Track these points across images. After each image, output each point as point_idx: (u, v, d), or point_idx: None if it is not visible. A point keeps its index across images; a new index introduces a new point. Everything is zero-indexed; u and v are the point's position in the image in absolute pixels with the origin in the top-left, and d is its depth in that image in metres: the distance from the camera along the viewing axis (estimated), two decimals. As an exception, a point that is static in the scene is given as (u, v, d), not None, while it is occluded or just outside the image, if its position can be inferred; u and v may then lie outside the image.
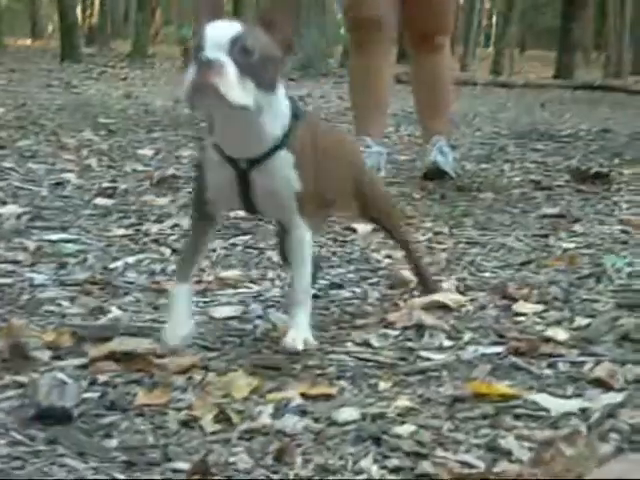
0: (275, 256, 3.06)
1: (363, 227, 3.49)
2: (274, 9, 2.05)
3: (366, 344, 2.18)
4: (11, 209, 3.66)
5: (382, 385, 1.90)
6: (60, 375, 1.84)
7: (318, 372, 1.99)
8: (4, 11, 28.16)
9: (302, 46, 15.30)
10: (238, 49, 1.91)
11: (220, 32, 1.94)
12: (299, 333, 2.08)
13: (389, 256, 3.11)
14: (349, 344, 2.18)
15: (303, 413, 1.74)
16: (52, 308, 2.47)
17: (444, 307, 2.46)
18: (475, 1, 22.02)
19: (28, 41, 25.61)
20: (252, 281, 2.79)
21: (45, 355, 2.07)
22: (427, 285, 2.59)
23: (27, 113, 7.20)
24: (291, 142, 2.09)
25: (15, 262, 2.92)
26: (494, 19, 40.50)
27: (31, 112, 7.33)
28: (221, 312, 2.44)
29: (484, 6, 30.28)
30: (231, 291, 2.67)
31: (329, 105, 9.17)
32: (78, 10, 23.52)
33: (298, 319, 2.11)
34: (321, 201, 2.21)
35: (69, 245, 3.13)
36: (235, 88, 1.89)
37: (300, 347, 2.05)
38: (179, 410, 1.76)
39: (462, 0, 20.06)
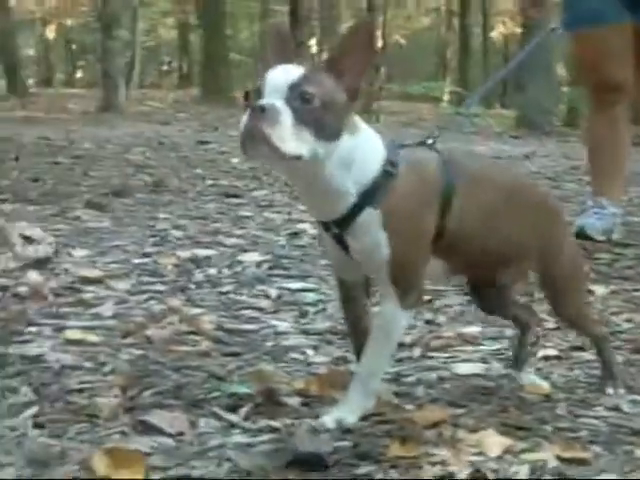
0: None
1: (602, 289, 3.43)
2: (344, 52, 1.86)
3: (617, 409, 2.13)
4: (252, 257, 3.77)
5: (638, 452, 1.85)
6: (314, 423, 1.88)
7: (570, 435, 1.95)
8: (236, 65, 29.12)
9: (525, 103, 15.22)
10: (296, 95, 1.78)
11: (280, 76, 1.82)
12: (338, 412, 1.95)
13: (629, 320, 3.03)
14: (599, 408, 2.14)
15: (561, 475, 1.72)
16: (297, 356, 2.52)
17: (694, 375, 2.38)
18: None
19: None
20: (491, 338, 2.77)
21: (295, 402, 2.11)
22: (606, 364, 2.31)
23: (260, 163, 7.40)
24: (379, 198, 1.90)
25: (258, 309, 3.00)
26: None
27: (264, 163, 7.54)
28: (463, 369, 2.43)
29: None
30: (471, 348, 2.66)
31: (554, 164, 9.04)
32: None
33: (347, 398, 1.98)
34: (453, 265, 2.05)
35: (309, 294, 3.19)
36: (288, 137, 1.76)
37: (330, 425, 1.90)
38: (433, 464, 1.76)
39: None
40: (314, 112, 1.79)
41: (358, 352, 2.07)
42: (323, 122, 1.80)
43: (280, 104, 1.77)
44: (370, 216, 1.89)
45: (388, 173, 1.90)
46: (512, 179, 2.21)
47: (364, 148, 1.91)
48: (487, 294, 2.29)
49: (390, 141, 1.98)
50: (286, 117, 1.76)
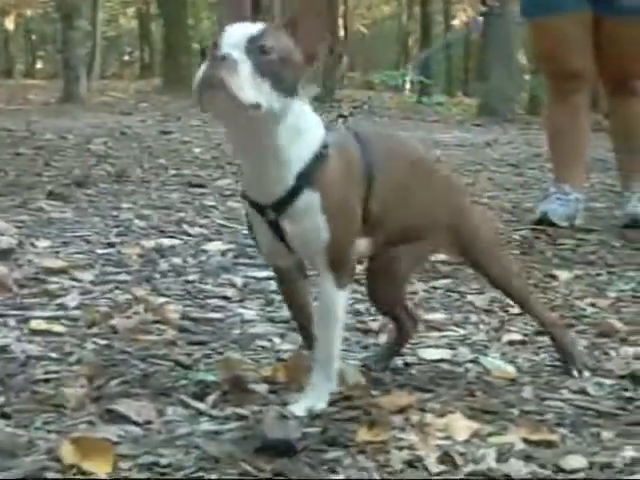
0: (477, 300, 3.06)
1: (565, 274, 3.46)
2: (302, 15, 1.89)
3: (583, 392, 2.15)
4: (217, 246, 3.77)
5: (604, 434, 1.87)
6: (282, 410, 1.88)
7: (537, 418, 1.97)
8: (198, 55, 29.02)
9: (488, 91, 15.28)
10: (255, 47, 1.79)
11: (239, 31, 1.83)
12: (306, 400, 1.96)
13: (593, 304, 3.06)
14: (564, 391, 2.16)
15: (528, 458, 1.73)
16: (263, 343, 2.53)
17: (659, 356, 2.41)
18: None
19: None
20: (456, 324, 2.79)
21: (263, 389, 2.11)
22: (561, 346, 2.34)
23: (222, 153, 7.39)
24: (316, 180, 1.90)
25: (224, 298, 3.00)
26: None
27: (225, 152, 7.53)
28: (430, 354, 2.45)
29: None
30: (437, 334, 2.67)
31: (517, 151, 9.09)
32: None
33: (311, 386, 1.99)
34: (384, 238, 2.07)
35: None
36: (246, 86, 1.76)
37: (300, 413, 1.90)
38: (401, 449, 1.77)
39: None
40: (272, 64, 1.80)
41: (305, 336, 2.12)
42: (280, 75, 1.81)
43: (238, 54, 1.78)
44: (310, 199, 1.90)
45: (323, 154, 1.91)
46: (420, 155, 2.23)
47: (310, 119, 1.93)
48: (385, 285, 2.27)
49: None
50: (244, 66, 1.77)
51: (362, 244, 2.04)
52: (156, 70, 29.06)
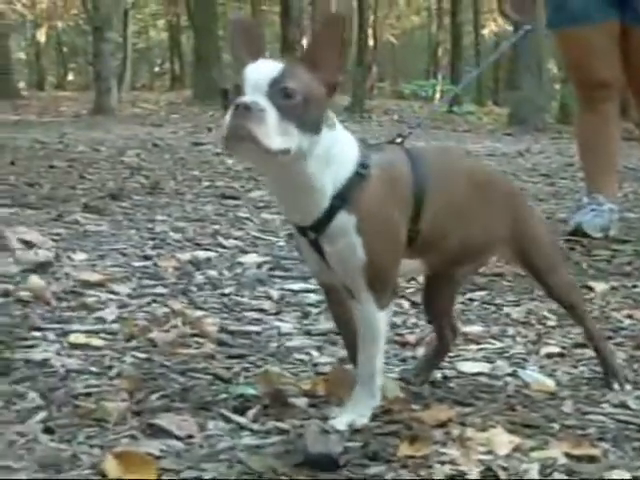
0: (514, 312, 3.06)
1: (601, 286, 3.44)
2: (319, 46, 1.87)
3: (624, 406, 2.14)
4: (252, 258, 3.78)
5: (647, 448, 1.86)
6: (324, 424, 1.88)
7: (578, 432, 1.96)
8: (228, 66, 29.17)
9: (518, 100, 15.24)
10: (278, 91, 1.77)
11: (259, 73, 1.80)
12: (348, 415, 1.96)
13: (630, 316, 3.04)
14: (605, 405, 2.15)
15: (571, 473, 1.73)
16: (301, 357, 2.53)
17: (699, 371, 2.39)
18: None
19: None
20: (494, 337, 2.78)
21: (303, 402, 2.12)
22: (604, 359, 2.33)
23: (244, 161, 7.40)
24: (352, 200, 1.89)
25: (261, 310, 3.01)
26: None
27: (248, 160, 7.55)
28: (468, 367, 2.44)
29: None
30: (474, 347, 2.67)
31: (549, 161, 9.06)
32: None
33: (354, 401, 1.99)
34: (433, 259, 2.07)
35: (311, 295, 3.19)
36: (274, 134, 1.75)
37: (342, 428, 1.90)
38: (443, 464, 1.77)
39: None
40: (297, 107, 1.78)
41: (351, 351, 2.10)
42: (305, 116, 1.80)
43: (263, 101, 1.77)
44: (344, 220, 1.89)
45: (360, 174, 1.90)
46: (478, 171, 2.24)
47: (342, 143, 1.92)
48: (442, 297, 2.30)
49: (360, 141, 1.98)
50: (270, 115, 1.76)
51: (411, 265, 2.05)
52: (187, 82, 29.19)
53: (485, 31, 31.06)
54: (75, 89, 29.63)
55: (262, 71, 1.81)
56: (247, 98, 1.77)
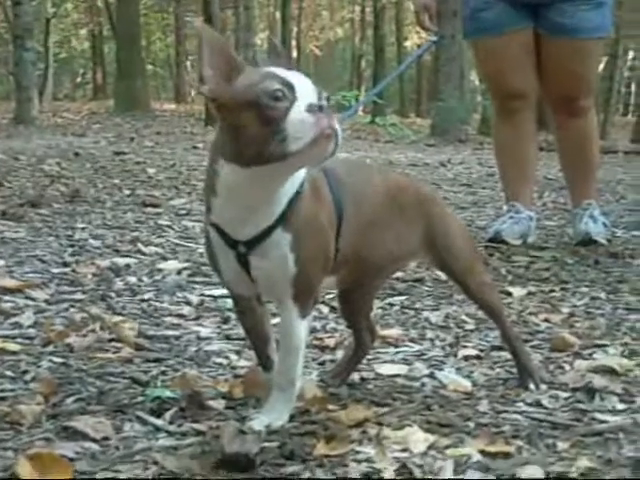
0: (433, 316, 3.09)
1: (519, 291, 3.49)
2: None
3: (538, 404, 2.17)
4: (172, 264, 3.76)
5: (560, 445, 1.88)
6: (241, 425, 1.88)
7: (493, 430, 1.98)
8: (151, 76, 29.01)
9: (440, 112, 15.39)
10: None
11: (302, 80, 1.82)
12: (265, 417, 1.96)
13: (547, 320, 3.09)
14: (520, 404, 2.17)
15: (486, 469, 1.74)
16: (220, 360, 2.52)
17: (611, 371, 2.43)
18: (615, 69, 21.86)
19: (173, 105, 26.22)
20: (412, 340, 2.80)
21: (220, 404, 2.11)
22: (520, 359, 2.35)
23: (177, 173, 7.38)
24: (288, 217, 1.89)
25: (180, 316, 3.00)
26: (633, 87, 40.19)
27: (181, 172, 7.53)
28: (387, 369, 2.46)
29: (623, 74, 30.01)
30: (393, 350, 2.68)
31: (470, 171, 9.16)
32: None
33: (272, 404, 1.99)
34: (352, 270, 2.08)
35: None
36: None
37: (259, 428, 1.89)
38: (359, 462, 1.78)
39: (601, 68, 19.92)
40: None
41: (261, 358, 2.10)
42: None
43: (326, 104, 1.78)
44: (280, 236, 1.89)
45: (298, 193, 1.90)
46: (389, 182, 2.21)
47: None
48: (355, 298, 2.32)
49: None
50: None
51: (327, 281, 2.05)
52: (109, 92, 28.95)
53: (408, 43, 31.28)
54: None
55: (302, 78, 1.82)
56: (321, 101, 1.77)
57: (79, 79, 39.66)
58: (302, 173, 1.90)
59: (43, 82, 23.34)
